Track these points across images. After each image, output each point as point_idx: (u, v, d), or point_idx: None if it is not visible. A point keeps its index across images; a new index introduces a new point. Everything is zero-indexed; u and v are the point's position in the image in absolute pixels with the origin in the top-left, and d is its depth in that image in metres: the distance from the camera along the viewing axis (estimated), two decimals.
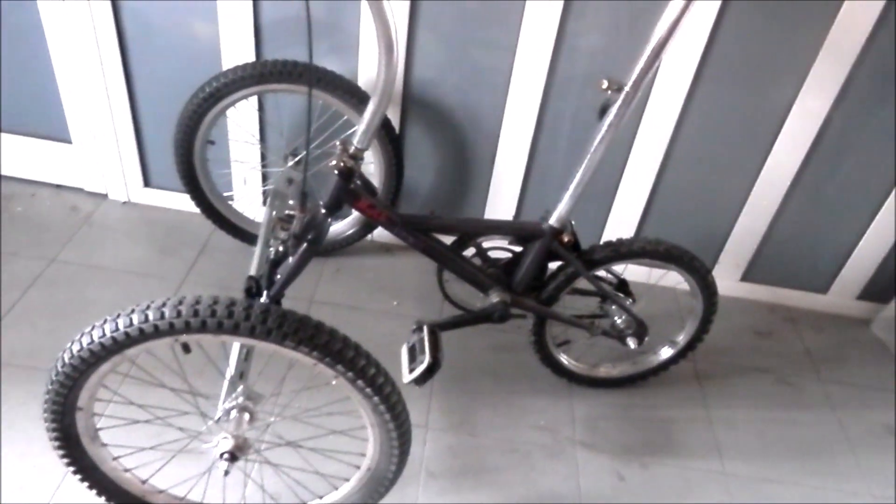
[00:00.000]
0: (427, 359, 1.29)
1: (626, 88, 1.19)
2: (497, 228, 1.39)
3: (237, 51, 1.66)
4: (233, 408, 1.10)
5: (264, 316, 0.93)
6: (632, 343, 1.49)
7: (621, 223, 1.88)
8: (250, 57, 1.66)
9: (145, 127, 1.84)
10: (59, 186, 1.98)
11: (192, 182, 1.71)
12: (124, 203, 1.97)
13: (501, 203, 1.87)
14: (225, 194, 1.81)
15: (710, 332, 1.57)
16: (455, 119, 1.75)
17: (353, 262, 1.91)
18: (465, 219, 1.58)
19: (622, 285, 1.51)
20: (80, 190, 1.98)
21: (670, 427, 1.60)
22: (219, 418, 1.10)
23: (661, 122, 1.68)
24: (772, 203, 1.81)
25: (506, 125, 1.72)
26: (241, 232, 1.83)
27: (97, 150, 1.88)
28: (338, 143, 1.23)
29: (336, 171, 1.23)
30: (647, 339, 1.50)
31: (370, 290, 1.83)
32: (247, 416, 1.11)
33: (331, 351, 0.97)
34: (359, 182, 1.27)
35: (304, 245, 1.28)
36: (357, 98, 1.58)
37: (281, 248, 1.29)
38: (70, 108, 1.82)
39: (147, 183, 1.95)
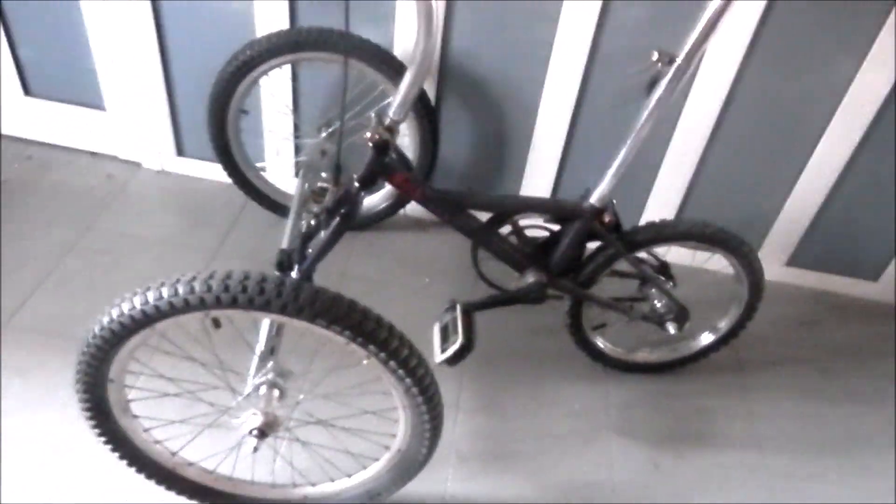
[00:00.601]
0: (460, 339, 1.26)
1: (679, 61, 1.12)
2: (535, 206, 1.34)
3: (271, 18, 1.62)
4: (262, 384, 1.08)
5: (296, 293, 0.90)
6: (672, 328, 1.44)
7: (663, 203, 1.81)
8: (284, 24, 1.62)
9: (178, 96, 1.82)
10: (94, 154, 1.98)
11: (225, 152, 1.69)
12: (158, 172, 1.96)
13: (538, 181, 1.81)
14: (258, 165, 1.79)
15: (754, 320, 1.51)
16: (493, 92, 1.69)
17: (385, 238, 1.88)
18: (503, 196, 1.54)
19: (663, 268, 1.45)
20: (114, 158, 1.98)
21: (708, 417, 1.55)
22: (248, 394, 1.09)
23: (709, 98, 1.60)
24: (823, 185, 1.72)
25: (545, 99, 1.66)
26: (274, 204, 1.81)
27: (131, 118, 1.87)
28: (372, 114, 1.19)
29: (370, 144, 1.19)
30: (687, 324, 1.45)
31: (402, 266, 1.80)
32: (276, 392, 1.09)
33: (363, 331, 0.94)
34: (394, 156, 1.23)
35: (337, 219, 1.25)
36: (393, 68, 1.53)
37: (313, 222, 1.26)
38: (104, 74, 1.80)
39: (181, 152, 1.93)
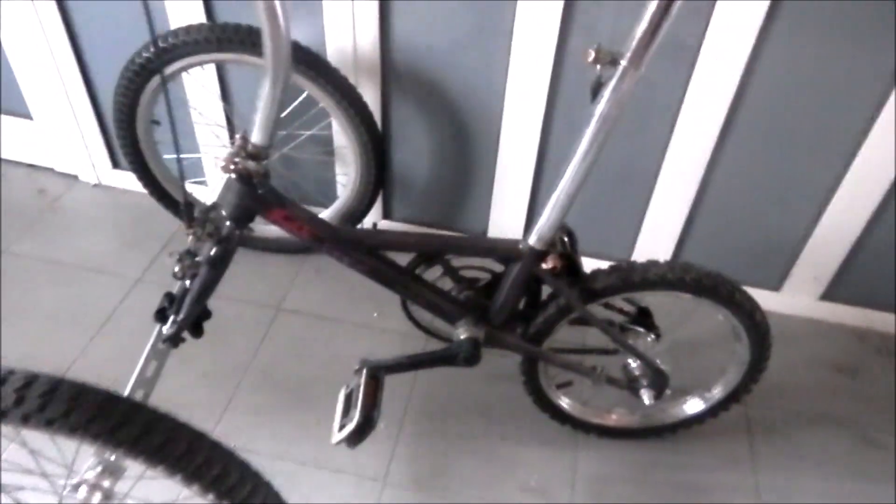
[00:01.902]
0: (357, 417, 1.00)
1: (623, 63, 0.81)
2: (460, 246, 1.06)
3: (184, 12, 1.38)
4: (82, 484, 0.86)
5: (45, 399, 0.66)
6: (646, 397, 1.14)
7: (660, 230, 1.49)
8: (200, 18, 1.39)
9: (103, 102, 1.62)
10: (31, 166, 1.81)
11: (142, 168, 1.47)
12: (95, 185, 1.78)
13: (510, 198, 1.52)
14: (198, 180, 1.58)
15: (771, 367, 1.18)
16: (448, 94, 1.40)
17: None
18: (419, 234, 1.19)
19: (643, 316, 1.15)
20: (51, 170, 1.80)
21: (704, 495, 1.24)
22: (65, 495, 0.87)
23: (715, 92, 1.27)
24: (868, 200, 1.36)
25: (509, 101, 1.37)
26: None
27: (59, 128, 1.68)
28: (238, 136, 0.94)
29: (233, 174, 0.94)
30: (667, 391, 1.15)
31: (351, 297, 1.55)
32: (99, 495, 0.86)
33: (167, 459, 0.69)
34: (268, 187, 0.97)
35: (205, 268, 1.01)
36: (321, 72, 1.27)
37: (178, 269, 1.02)
38: (23, 80, 1.61)
39: (115, 164, 1.74)
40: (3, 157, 1.81)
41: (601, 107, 0.86)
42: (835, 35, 1.17)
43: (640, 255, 1.56)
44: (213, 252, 1.00)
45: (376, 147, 1.39)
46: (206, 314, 1.14)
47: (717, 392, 1.20)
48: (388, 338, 1.46)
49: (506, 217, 1.55)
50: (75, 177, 1.79)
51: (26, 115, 1.70)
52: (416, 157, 1.53)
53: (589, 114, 0.88)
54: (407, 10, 1.30)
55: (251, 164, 0.92)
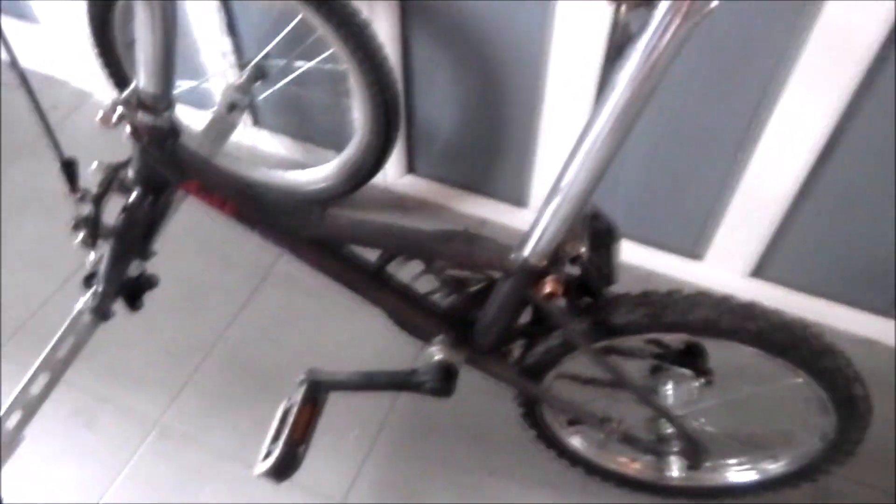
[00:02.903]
0: (279, 449, 0.79)
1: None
2: (426, 248, 0.78)
3: None
4: None
5: None
6: (676, 467, 0.85)
7: (744, 227, 1.14)
8: None
9: None
10: (49, 78, 1.67)
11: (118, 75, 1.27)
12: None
13: (555, 158, 1.20)
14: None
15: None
16: (480, 28, 1.09)
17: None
18: (377, 225, 0.78)
19: (691, 355, 0.84)
20: (65, 84, 1.65)
21: None
22: None
23: (828, 85, 0.89)
24: None
25: (557, 43, 1.03)
26: None
27: (66, 35, 1.51)
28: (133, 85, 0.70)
29: (128, 132, 0.71)
30: (707, 462, 0.85)
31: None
32: None
33: None
34: (174, 149, 0.73)
35: (113, 241, 0.80)
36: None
37: (80, 239, 0.81)
38: None
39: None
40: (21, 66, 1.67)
41: (626, 72, 0.54)
42: None
43: (714, 255, 1.21)
44: (117, 222, 0.78)
45: (386, 90, 1.10)
46: (149, 283, 0.94)
47: (781, 466, 0.88)
48: (377, 326, 1.23)
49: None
50: (90, 94, 1.63)
51: (31, 19, 1.53)
52: (442, 106, 1.24)
53: (609, 80, 0.56)
54: None
55: (143, 119, 0.68)
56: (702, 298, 0.73)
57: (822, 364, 0.73)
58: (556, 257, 0.72)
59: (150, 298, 0.94)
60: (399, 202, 1.42)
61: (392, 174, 1.39)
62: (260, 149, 1.46)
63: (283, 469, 0.79)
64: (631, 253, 1.28)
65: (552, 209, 0.66)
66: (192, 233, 1.26)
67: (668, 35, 0.51)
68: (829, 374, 0.74)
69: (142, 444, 1.08)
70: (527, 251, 0.71)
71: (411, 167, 1.39)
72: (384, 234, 0.78)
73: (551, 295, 0.71)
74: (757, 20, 0.90)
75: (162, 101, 0.68)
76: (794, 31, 0.89)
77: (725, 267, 1.23)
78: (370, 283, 0.82)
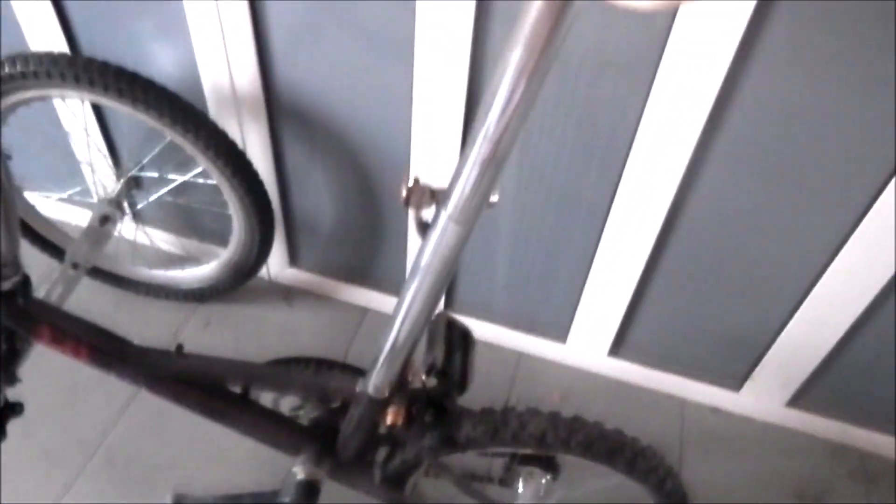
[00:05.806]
0: None
1: (444, 212, 0.57)
2: (280, 381, 0.84)
3: (43, 36, 1.16)
4: None
5: None
6: None
7: (602, 309, 1.24)
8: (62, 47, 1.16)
9: None
10: None
11: None
12: None
13: None
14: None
15: (719, 483, 0.95)
16: (347, 134, 1.16)
17: (232, 313, 1.42)
18: (229, 361, 0.88)
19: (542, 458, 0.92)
20: None
21: None
22: None
23: (667, 153, 1.01)
24: (856, 295, 1.09)
25: (416, 143, 1.12)
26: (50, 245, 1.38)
27: None
28: None
29: None
30: None
31: (240, 356, 1.34)
32: None
33: None
34: (23, 299, 0.76)
35: None
36: (187, 119, 1.04)
37: None
38: None
39: None
40: None
41: (426, 255, 0.62)
42: (813, 78, 0.90)
43: (577, 336, 1.32)
44: None
45: (257, 198, 1.16)
46: (12, 411, 0.95)
47: None
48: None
49: None
50: None
51: None
52: (318, 204, 1.30)
53: (419, 251, 0.64)
54: (284, 39, 1.05)
55: None
56: (530, 417, 0.81)
57: (639, 466, 0.82)
58: (400, 383, 0.79)
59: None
60: (284, 294, 1.46)
61: (275, 268, 1.44)
62: (141, 245, 1.48)
63: None
64: (502, 336, 1.37)
65: (389, 342, 0.73)
66: None
67: (448, 237, 0.59)
68: (646, 474, 0.83)
69: None
70: (371, 386, 0.77)
71: (294, 260, 1.44)
72: (238, 371, 0.83)
73: (393, 424, 0.78)
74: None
75: (9, 268, 0.71)
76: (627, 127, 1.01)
77: (587, 347, 1.33)
78: (232, 412, 0.86)
